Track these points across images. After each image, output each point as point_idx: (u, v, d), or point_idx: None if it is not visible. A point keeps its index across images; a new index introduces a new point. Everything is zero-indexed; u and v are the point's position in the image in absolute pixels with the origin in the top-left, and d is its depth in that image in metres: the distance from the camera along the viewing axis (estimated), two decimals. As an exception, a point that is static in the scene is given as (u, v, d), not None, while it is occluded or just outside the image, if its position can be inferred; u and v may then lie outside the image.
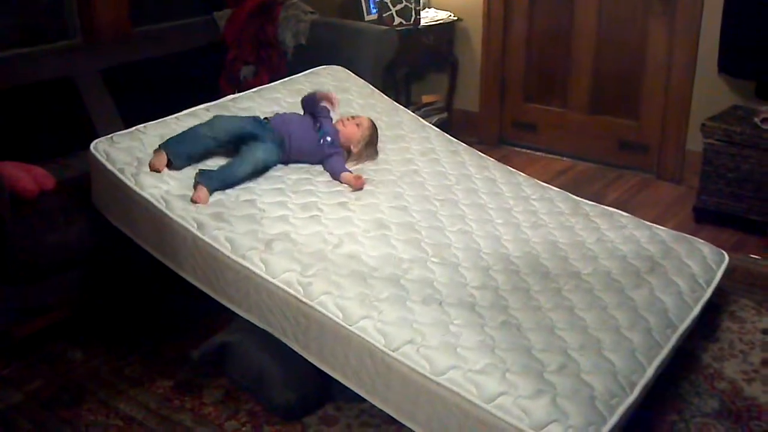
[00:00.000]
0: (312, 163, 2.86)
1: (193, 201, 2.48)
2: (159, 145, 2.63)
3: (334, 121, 2.94)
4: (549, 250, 2.61)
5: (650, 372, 2.11)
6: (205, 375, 2.54)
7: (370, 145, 2.98)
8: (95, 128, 3.31)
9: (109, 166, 2.58)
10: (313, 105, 2.94)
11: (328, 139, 2.86)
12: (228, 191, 2.58)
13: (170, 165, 2.60)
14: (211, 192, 2.53)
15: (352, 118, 3.00)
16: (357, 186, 2.74)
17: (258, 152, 2.67)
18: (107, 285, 2.93)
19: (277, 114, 2.93)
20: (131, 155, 2.62)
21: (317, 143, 2.84)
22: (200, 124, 2.73)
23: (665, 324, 2.30)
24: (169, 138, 2.65)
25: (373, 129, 2.99)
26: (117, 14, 3.87)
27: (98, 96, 3.52)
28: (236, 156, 2.68)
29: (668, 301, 2.39)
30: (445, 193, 2.87)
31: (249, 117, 2.85)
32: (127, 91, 3.61)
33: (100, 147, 2.64)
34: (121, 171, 2.56)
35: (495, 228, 2.70)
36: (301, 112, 2.96)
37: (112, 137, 2.70)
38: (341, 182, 2.77)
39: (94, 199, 2.73)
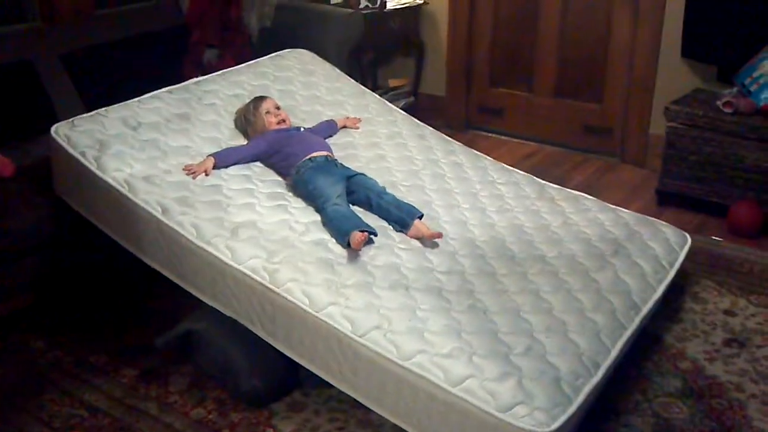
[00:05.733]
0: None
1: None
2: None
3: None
4: (515, 234, 2.63)
5: (614, 353, 2.14)
6: (170, 363, 2.52)
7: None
8: (55, 113, 3.24)
9: (70, 150, 2.54)
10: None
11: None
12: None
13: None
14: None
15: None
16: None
17: None
18: (70, 272, 2.88)
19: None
20: (93, 138, 2.58)
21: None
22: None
23: (629, 305, 2.33)
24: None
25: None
26: (78, -4, 3.79)
27: (58, 80, 3.45)
28: None
29: (632, 283, 2.42)
30: (412, 178, 2.86)
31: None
32: (88, 74, 3.54)
33: (60, 131, 2.60)
34: (83, 155, 2.52)
35: (461, 213, 2.71)
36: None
37: (72, 121, 2.65)
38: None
39: (55, 184, 2.68)
